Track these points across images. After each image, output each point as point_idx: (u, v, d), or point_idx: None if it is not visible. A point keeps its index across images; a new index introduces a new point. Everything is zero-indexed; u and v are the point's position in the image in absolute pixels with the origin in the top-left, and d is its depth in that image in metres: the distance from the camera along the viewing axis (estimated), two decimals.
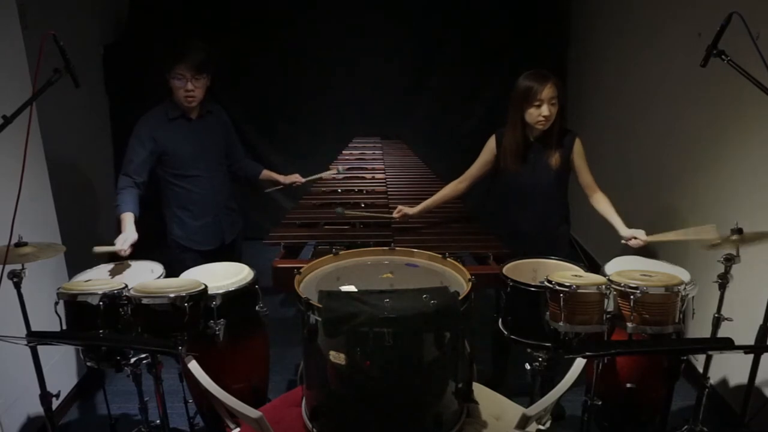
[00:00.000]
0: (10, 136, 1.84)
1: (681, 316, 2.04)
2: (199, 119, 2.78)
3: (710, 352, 2.21)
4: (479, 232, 2.71)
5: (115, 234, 2.39)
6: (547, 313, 2.02)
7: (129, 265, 2.36)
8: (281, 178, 3.17)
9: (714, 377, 2.61)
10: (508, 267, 2.26)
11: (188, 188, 2.78)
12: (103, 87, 4.24)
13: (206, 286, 2.08)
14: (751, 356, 2.13)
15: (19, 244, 1.94)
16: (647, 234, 2.35)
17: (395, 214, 2.70)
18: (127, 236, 2.38)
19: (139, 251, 2.39)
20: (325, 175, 3.40)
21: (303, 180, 3.22)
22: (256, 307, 2.28)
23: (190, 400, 2.37)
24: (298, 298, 1.73)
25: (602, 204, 2.54)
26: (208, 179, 2.82)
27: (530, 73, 2.46)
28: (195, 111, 2.76)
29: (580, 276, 2.05)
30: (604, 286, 1.99)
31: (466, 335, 1.77)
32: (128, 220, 2.47)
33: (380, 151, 4.18)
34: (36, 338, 1.86)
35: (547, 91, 2.40)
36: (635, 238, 2.34)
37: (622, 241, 2.39)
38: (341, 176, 3.42)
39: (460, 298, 1.67)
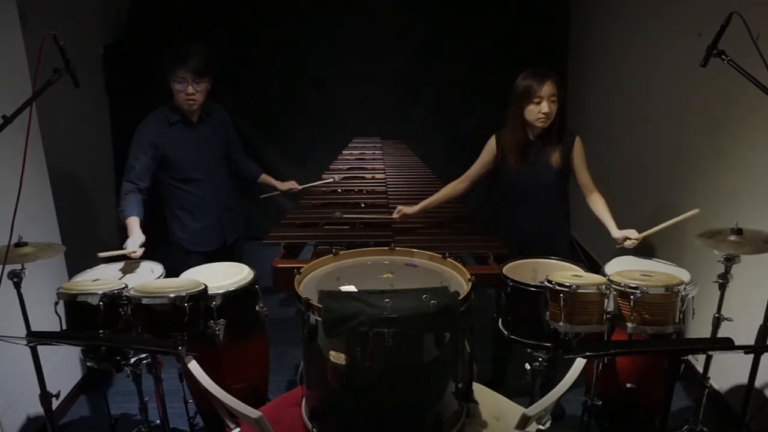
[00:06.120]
0: (10, 136, 1.84)
1: (681, 316, 2.03)
2: (199, 122, 2.78)
3: (710, 352, 2.21)
4: (479, 232, 2.71)
5: (115, 234, 2.39)
6: (547, 313, 2.02)
7: (129, 265, 2.36)
8: (278, 184, 3.17)
9: (714, 377, 2.61)
10: (508, 267, 2.26)
11: (189, 191, 2.79)
12: (103, 87, 4.24)
13: (206, 286, 2.08)
14: (751, 356, 2.13)
15: (19, 244, 1.94)
16: (639, 231, 2.35)
17: (395, 215, 2.70)
18: (136, 239, 2.40)
19: (143, 252, 2.39)
20: (320, 183, 3.37)
21: (300, 187, 3.21)
22: (256, 307, 2.29)
23: (190, 400, 2.38)
24: (298, 298, 1.73)
25: (598, 204, 2.54)
26: (209, 181, 2.82)
27: (529, 71, 2.46)
28: (195, 114, 2.76)
29: (580, 276, 2.06)
30: (604, 286, 1.99)
31: (466, 335, 1.77)
32: (134, 223, 2.49)
33: (380, 151, 4.18)
34: (36, 338, 1.86)
35: (547, 89, 2.40)
36: (628, 238, 2.35)
37: (617, 245, 2.40)
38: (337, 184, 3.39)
39: (460, 298, 1.67)
